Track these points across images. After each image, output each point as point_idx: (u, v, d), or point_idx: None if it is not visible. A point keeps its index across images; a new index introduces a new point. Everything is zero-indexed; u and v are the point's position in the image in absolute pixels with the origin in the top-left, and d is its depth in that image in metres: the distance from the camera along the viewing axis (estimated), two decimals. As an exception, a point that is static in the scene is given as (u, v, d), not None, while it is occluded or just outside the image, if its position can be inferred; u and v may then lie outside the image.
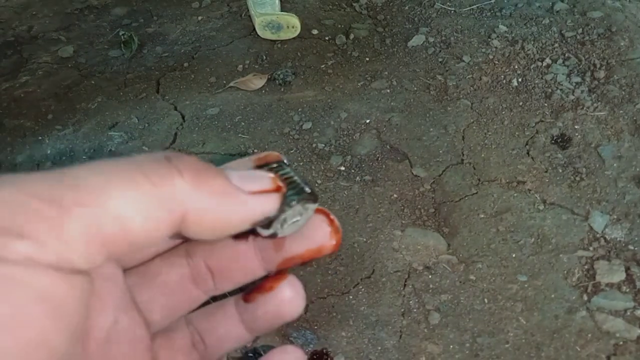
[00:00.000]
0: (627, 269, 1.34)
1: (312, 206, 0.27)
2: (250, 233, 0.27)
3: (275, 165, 0.27)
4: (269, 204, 0.24)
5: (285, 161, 0.28)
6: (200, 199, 0.22)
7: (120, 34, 2.08)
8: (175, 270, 0.29)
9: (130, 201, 0.20)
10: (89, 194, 0.20)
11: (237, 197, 0.23)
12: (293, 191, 0.26)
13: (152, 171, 0.21)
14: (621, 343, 1.23)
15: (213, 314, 0.30)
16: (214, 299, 0.31)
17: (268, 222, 0.26)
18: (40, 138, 1.76)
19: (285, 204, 0.25)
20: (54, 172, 0.20)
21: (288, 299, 0.29)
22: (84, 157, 1.68)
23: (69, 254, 0.19)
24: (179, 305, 0.29)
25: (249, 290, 0.29)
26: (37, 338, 0.18)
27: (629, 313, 1.28)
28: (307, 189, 0.26)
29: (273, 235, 0.27)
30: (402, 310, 1.30)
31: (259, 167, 0.27)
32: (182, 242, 0.29)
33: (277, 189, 0.25)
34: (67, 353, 0.20)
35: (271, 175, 0.26)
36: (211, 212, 0.22)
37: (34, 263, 0.19)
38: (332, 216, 0.29)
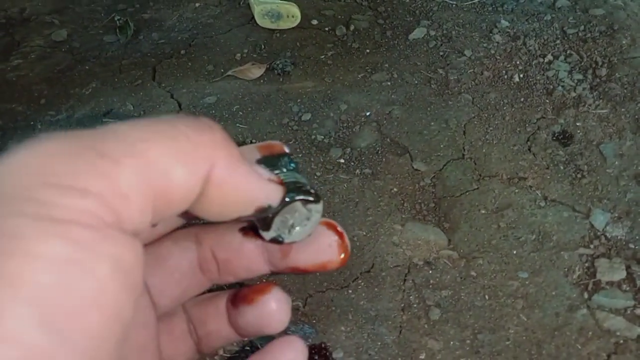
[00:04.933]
0: (628, 267, 1.34)
1: (316, 207, 0.26)
2: (254, 232, 0.27)
3: (280, 162, 0.27)
4: (274, 192, 0.24)
5: (288, 150, 0.27)
6: (227, 158, 0.21)
7: (116, 19, 2.03)
8: (187, 255, 0.28)
9: (171, 151, 0.20)
10: (135, 144, 0.19)
11: (254, 171, 0.23)
12: (294, 190, 0.25)
13: (186, 126, 0.21)
14: (622, 342, 1.22)
15: (206, 306, 0.29)
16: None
17: (267, 221, 0.25)
18: (32, 123, 1.72)
19: (285, 200, 0.25)
20: (91, 130, 0.20)
21: (271, 313, 0.28)
22: (77, 143, 1.64)
23: (130, 211, 0.19)
24: (187, 291, 0.29)
25: (236, 296, 0.29)
26: (115, 312, 0.17)
27: (629, 312, 1.27)
28: (309, 189, 0.26)
29: (277, 240, 0.26)
30: (402, 305, 1.28)
31: (265, 157, 0.27)
32: (188, 225, 0.28)
33: (281, 183, 0.25)
34: (129, 333, 0.19)
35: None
36: (232, 175, 0.22)
37: (103, 225, 0.17)
38: (340, 229, 0.28)
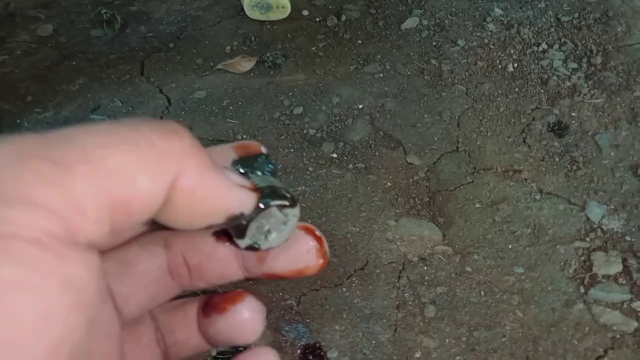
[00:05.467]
0: (624, 260, 1.33)
1: (292, 212, 0.25)
2: (228, 238, 0.26)
3: (256, 162, 0.26)
4: (247, 200, 0.23)
5: (264, 151, 0.26)
6: (195, 166, 0.20)
7: (103, 12, 1.99)
8: (156, 260, 0.27)
9: (132, 158, 0.18)
10: (92, 151, 0.18)
11: (225, 178, 0.22)
12: (269, 195, 0.24)
13: (150, 131, 0.19)
14: (618, 336, 1.21)
15: (175, 313, 0.28)
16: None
17: (241, 228, 0.24)
18: (18, 121, 1.69)
19: (259, 207, 0.24)
20: (48, 133, 0.18)
21: (243, 322, 0.26)
22: (65, 141, 1.62)
23: (84, 223, 0.17)
24: (155, 297, 0.27)
25: (207, 304, 0.27)
26: (63, 336, 0.16)
27: (625, 305, 1.26)
28: (285, 193, 0.25)
29: (253, 247, 0.25)
30: (397, 302, 1.27)
31: (242, 158, 0.26)
32: (153, 230, 0.26)
33: (254, 189, 0.24)
34: (84, 348, 0.17)
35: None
36: (200, 184, 0.21)
37: (51, 240, 0.16)
38: (319, 233, 0.27)
